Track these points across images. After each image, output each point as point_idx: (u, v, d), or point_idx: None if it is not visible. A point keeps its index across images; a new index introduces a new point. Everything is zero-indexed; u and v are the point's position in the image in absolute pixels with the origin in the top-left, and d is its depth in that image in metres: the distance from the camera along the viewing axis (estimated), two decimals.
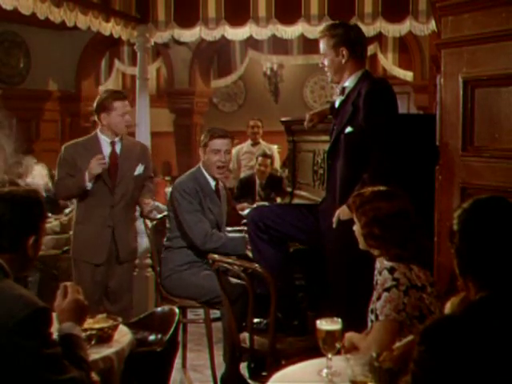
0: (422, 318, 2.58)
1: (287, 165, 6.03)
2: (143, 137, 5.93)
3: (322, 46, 3.66)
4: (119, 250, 4.56)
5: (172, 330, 3.08)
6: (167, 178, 9.73)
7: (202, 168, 4.59)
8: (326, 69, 3.68)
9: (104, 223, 4.51)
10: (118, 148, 4.57)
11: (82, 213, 4.58)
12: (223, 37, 5.99)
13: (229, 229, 4.75)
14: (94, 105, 4.61)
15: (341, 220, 3.39)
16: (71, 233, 4.80)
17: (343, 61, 3.60)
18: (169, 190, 7.60)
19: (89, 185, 4.40)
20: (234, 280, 4.13)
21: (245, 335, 3.66)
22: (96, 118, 4.59)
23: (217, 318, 4.52)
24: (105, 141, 4.55)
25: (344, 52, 3.59)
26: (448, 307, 2.12)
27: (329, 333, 2.41)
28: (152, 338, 3.19)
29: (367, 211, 2.78)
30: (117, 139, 4.57)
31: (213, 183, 4.59)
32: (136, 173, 4.60)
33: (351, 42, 3.61)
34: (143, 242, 5.61)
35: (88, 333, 2.76)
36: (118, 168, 4.54)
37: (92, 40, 9.03)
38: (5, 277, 2.21)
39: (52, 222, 6.23)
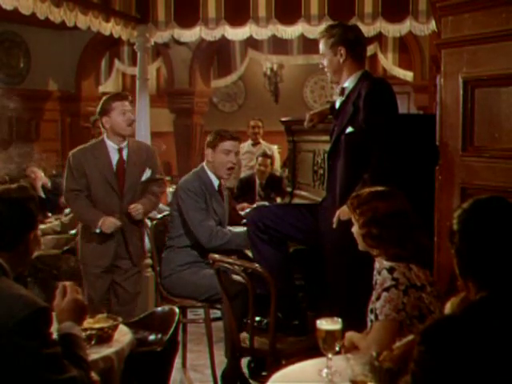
0: (421, 318, 2.58)
1: (287, 165, 6.03)
2: (143, 137, 5.92)
3: (321, 46, 3.68)
4: (131, 252, 4.57)
5: (172, 329, 3.07)
6: (167, 178, 9.72)
7: (205, 168, 4.60)
8: (325, 69, 3.70)
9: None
10: (124, 154, 4.54)
11: None
12: (223, 37, 6.00)
13: None
14: (97, 112, 4.61)
15: (341, 220, 3.39)
16: (72, 232, 4.79)
17: (341, 60, 3.61)
18: (169, 190, 7.62)
19: (97, 230, 4.42)
20: (235, 276, 4.11)
21: (245, 335, 3.66)
22: (101, 124, 4.59)
23: (217, 317, 4.53)
24: (112, 147, 4.51)
25: (342, 51, 3.60)
26: (448, 307, 2.12)
27: (329, 333, 2.41)
28: (152, 337, 3.19)
29: (365, 211, 2.79)
30: (123, 145, 4.54)
31: (216, 183, 4.60)
32: (144, 178, 4.59)
33: (349, 42, 3.61)
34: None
35: (88, 333, 2.76)
36: (126, 174, 4.52)
37: (92, 40, 9.03)
38: (4, 276, 2.20)
39: (52, 222, 6.23)
